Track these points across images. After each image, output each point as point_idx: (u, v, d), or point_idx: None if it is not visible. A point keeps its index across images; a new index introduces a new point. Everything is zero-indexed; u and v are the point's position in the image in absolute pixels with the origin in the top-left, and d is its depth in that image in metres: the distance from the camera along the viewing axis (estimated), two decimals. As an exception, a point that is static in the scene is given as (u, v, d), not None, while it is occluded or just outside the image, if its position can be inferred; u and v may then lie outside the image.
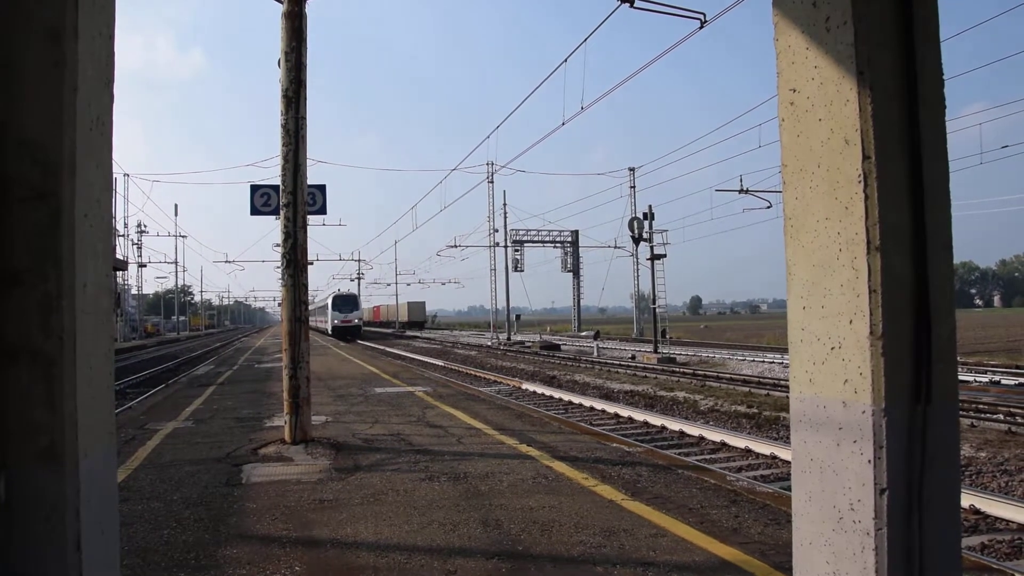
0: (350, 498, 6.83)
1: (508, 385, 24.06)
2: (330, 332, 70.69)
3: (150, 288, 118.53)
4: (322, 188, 12.27)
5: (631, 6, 10.56)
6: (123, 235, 66.71)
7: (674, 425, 14.62)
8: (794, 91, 3.36)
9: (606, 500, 6.62)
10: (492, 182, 62.03)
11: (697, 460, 11.22)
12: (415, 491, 7.04)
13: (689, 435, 13.80)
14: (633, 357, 36.72)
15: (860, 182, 3.02)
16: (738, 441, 12.60)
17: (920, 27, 3.12)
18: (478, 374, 28.84)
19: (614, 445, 9.67)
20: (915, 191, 3.07)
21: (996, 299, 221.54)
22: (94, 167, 2.59)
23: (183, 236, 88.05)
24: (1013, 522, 7.74)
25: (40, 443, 2.36)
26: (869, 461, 2.99)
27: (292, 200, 9.51)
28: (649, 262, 38.78)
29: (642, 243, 41.10)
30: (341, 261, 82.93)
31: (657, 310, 38.88)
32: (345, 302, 72.76)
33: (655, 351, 35.97)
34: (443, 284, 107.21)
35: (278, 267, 10.30)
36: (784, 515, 5.89)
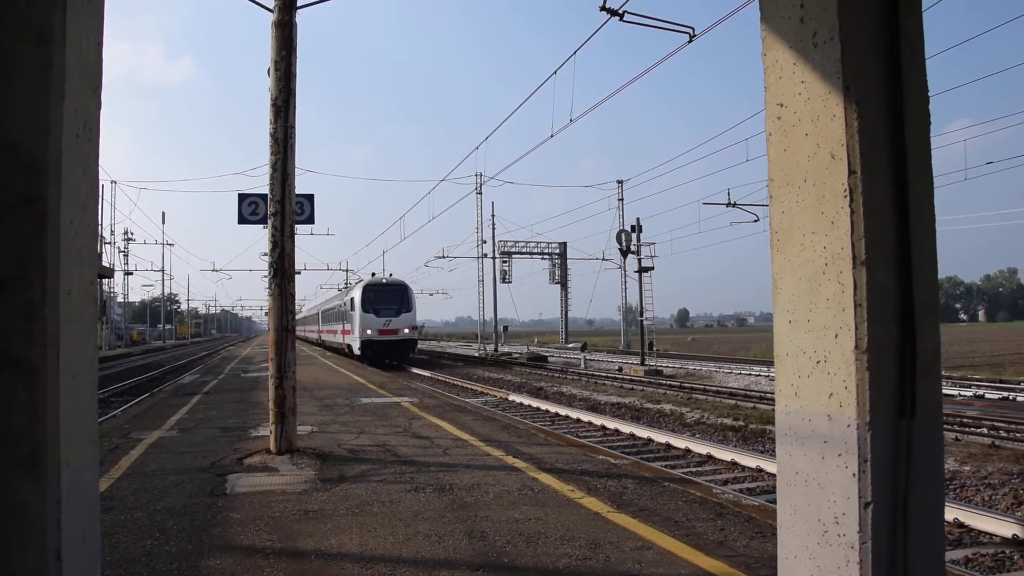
0: (335, 509, 6.80)
1: (495, 396, 24.01)
2: (357, 350, 40.77)
3: (136, 296, 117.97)
4: (310, 198, 12.25)
5: (620, 19, 10.60)
6: (109, 242, 66.35)
7: (660, 437, 14.62)
8: (781, 106, 3.38)
9: (592, 512, 6.61)
10: (480, 193, 61.90)
11: (683, 473, 11.21)
12: (400, 502, 7.01)
13: (675, 447, 13.80)
14: (620, 369, 36.75)
15: (846, 197, 3.04)
16: (724, 454, 12.60)
17: (906, 43, 3.15)
18: (465, 385, 28.76)
19: (600, 457, 9.67)
20: (900, 206, 3.09)
21: (981, 314, 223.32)
22: (80, 173, 2.58)
23: (170, 244, 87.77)
24: (997, 535, 7.77)
25: (21, 451, 2.34)
26: (854, 475, 3.00)
27: (280, 209, 9.49)
28: (637, 274, 38.89)
29: (630, 255, 41.23)
30: (329, 271, 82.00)
31: (644, 322, 38.96)
32: (387, 296, 41.43)
33: (642, 363, 36.00)
34: (431, 295, 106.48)
35: (265, 276, 10.28)
36: (770, 528, 5.90)
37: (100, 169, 2.85)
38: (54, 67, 2.42)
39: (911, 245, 3.10)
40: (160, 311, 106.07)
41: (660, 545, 5.64)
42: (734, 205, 40.13)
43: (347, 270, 78.99)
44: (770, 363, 28.28)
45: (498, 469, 8.58)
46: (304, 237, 55.18)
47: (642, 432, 15.34)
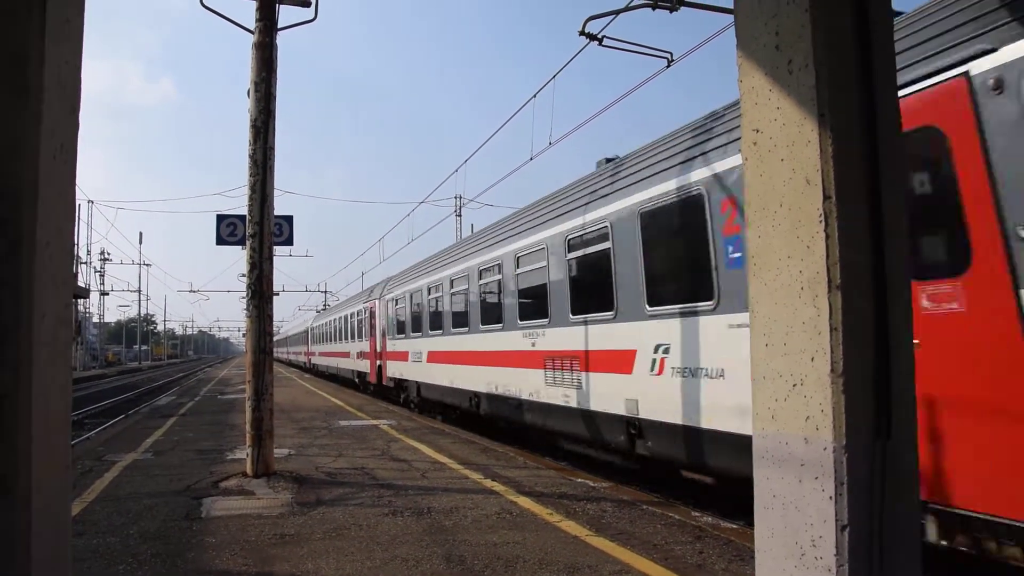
0: (312, 533, 6.73)
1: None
2: None
3: (112, 316, 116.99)
4: (289, 219, 12.21)
5: (599, 44, 10.70)
6: (85, 262, 65.78)
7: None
8: (757, 131, 3.42)
9: (570, 536, 6.58)
10: (460, 216, 61.96)
11: (662, 496, 11.19)
12: (378, 526, 6.95)
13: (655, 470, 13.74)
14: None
15: (821, 221, 3.08)
16: (703, 476, 12.57)
17: (879, 71, 3.20)
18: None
19: (579, 480, 9.64)
20: (875, 231, 3.13)
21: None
22: (56, 195, 2.57)
23: (147, 264, 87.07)
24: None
25: (-9, 476, 2.31)
26: (830, 497, 3.01)
27: (258, 231, 9.46)
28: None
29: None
30: (307, 292, 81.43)
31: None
32: None
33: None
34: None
35: (243, 297, 10.21)
36: (748, 551, 5.89)
37: (77, 189, 2.84)
38: (31, 89, 2.41)
39: (886, 269, 3.14)
40: (136, 332, 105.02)
41: (639, 569, 5.62)
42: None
43: (326, 291, 78.35)
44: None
45: (476, 492, 8.53)
46: (283, 258, 54.76)
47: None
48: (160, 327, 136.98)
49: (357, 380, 31.18)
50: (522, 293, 13.02)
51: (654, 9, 10.15)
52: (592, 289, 10.44)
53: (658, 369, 8.72)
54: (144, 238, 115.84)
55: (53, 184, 2.54)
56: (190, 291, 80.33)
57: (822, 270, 3.07)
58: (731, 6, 3.68)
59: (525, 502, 7.95)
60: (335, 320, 39.11)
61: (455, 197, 58.99)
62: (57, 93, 2.56)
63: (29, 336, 2.36)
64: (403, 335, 21.90)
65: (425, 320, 19.51)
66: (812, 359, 3.11)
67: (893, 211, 3.20)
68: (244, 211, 9.89)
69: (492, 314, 14.50)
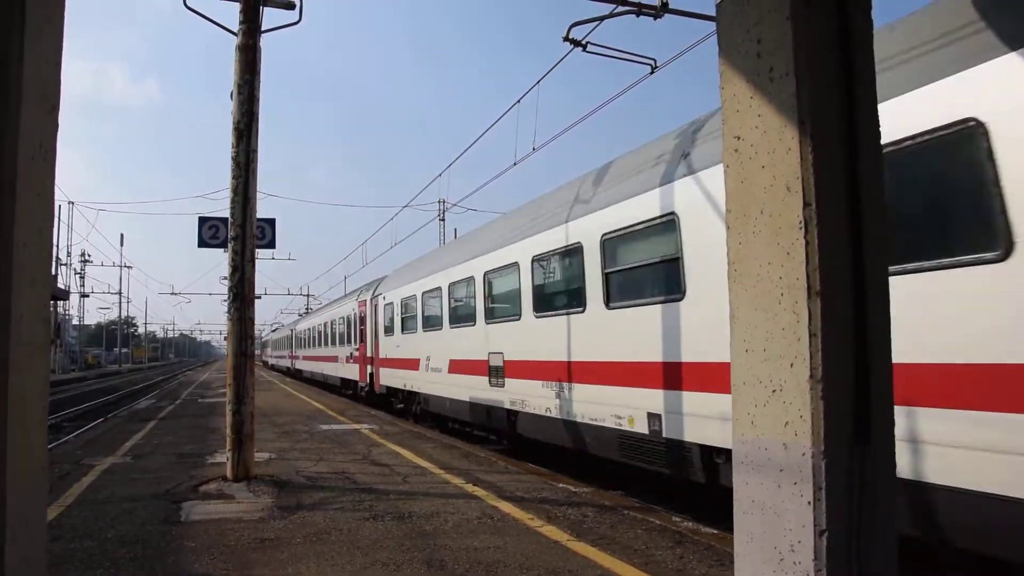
0: (292, 537, 6.70)
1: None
2: None
3: (92, 319, 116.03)
4: (271, 222, 12.15)
5: (583, 50, 10.74)
6: (65, 264, 65.25)
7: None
8: (738, 138, 3.44)
9: (551, 541, 6.58)
10: (443, 220, 61.84)
11: (642, 501, 11.21)
12: (359, 530, 6.93)
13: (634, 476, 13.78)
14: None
15: (801, 228, 3.10)
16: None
17: (859, 79, 3.23)
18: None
19: (560, 485, 9.64)
20: (855, 237, 3.16)
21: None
22: (35, 195, 2.55)
23: (128, 266, 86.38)
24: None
25: (-35, 478, 2.28)
26: (809, 503, 3.03)
27: (241, 233, 9.42)
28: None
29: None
30: (289, 295, 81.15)
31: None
32: None
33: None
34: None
35: (225, 300, 10.15)
36: (728, 556, 5.90)
37: (57, 189, 2.81)
38: (10, 88, 2.39)
39: (865, 275, 3.16)
40: (116, 334, 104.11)
41: (619, 574, 5.63)
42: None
43: (308, 295, 78.12)
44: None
45: (458, 497, 8.52)
46: (265, 261, 54.56)
47: (603, 460, 15.26)
48: (141, 330, 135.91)
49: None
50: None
51: (638, 16, 10.20)
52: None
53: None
54: (125, 239, 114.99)
55: (32, 184, 2.52)
56: (171, 293, 79.95)
57: (802, 276, 3.09)
58: (714, 13, 3.71)
59: (506, 507, 7.94)
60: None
61: (439, 202, 58.75)
62: (37, 93, 2.54)
63: (6, 337, 2.34)
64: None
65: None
66: (791, 365, 3.13)
67: (873, 218, 3.23)
68: (227, 213, 9.85)
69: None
